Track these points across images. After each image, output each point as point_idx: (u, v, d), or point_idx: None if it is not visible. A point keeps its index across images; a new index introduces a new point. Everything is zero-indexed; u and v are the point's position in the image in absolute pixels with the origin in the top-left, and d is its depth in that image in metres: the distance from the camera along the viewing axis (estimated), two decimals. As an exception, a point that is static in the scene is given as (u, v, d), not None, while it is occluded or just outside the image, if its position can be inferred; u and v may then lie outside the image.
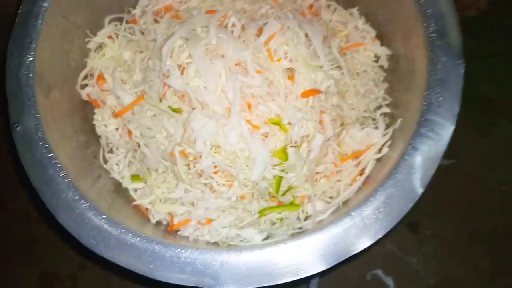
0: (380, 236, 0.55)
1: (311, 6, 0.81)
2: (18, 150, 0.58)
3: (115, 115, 0.69)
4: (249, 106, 0.63)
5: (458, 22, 0.61)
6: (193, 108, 0.63)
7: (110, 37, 0.75)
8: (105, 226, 0.55)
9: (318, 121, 0.66)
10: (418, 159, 0.57)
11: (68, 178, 0.56)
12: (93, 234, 0.54)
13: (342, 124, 0.73)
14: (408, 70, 0.68)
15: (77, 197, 0.56)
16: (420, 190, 0.56)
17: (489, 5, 1.10)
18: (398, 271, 0.87)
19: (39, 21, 0.61)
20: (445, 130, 0.57)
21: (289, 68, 0.63)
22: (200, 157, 0.63)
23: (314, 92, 0.62)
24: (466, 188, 0.95)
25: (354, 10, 0.80)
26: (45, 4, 0.62)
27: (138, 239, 0.54)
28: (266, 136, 0.64)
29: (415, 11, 0.63)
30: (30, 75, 0.59)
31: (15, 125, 0.58)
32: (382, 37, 0.77)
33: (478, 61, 1.05)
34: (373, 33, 0.78)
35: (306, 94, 0.62)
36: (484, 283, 0.87)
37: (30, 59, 0.60)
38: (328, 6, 0.82)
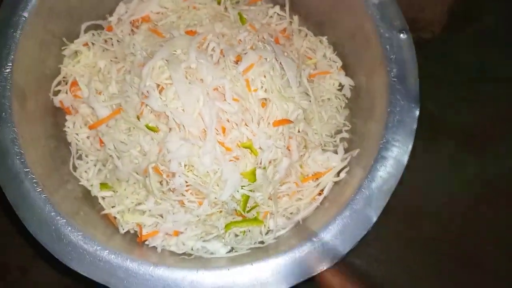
0: (336, 260, 0.61)
1: (284, 30, 0.85)
2: (-8, 162, 0.57)
3: (89, 127, 0.70)
4: (223, 130, 0.66)
5: (417, 69, 0.69)
6: (170, 128, 0.66)
7: (85, 44, 0.75)
8: (81, 243, 0.57)
9: (286, 147, 0.71)
10: (373, 192, 0.63)
11: (44, 194, 0.57)
12: (68, 250, 0.56)
13: (305, 147, 0.79)
14: (368, 104, 0.75)
15: (53, 213, 0.57)
16: (374, 219, 0.63)
17: (442, 30, 1.20)
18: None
19: (18, 32, 0.61)
20: (399, 167, 0.65)
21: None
22: (174, 175, 0.66)
23: (285, 121, 0.67)
24: (408, 197, 1.05)
25: (324, 39, 0.85)
26: (25, 14, 0.61)
27: (112, 256, 0.57)
28: (237, 159, 0.68)
29: (380, 54, 0.69)
30: (8, 86, 0.59)
31: (-10, 138, 0.57)
32: (347, 68, 0.83)
33: (426, 80, 1.16)
34: (339, 63, 0.83)
35: (278, 123, 0.67)
36: (415, 284, 0.98)
37: (8, 70, 0.59)
38: (300, 31, 0.87)
